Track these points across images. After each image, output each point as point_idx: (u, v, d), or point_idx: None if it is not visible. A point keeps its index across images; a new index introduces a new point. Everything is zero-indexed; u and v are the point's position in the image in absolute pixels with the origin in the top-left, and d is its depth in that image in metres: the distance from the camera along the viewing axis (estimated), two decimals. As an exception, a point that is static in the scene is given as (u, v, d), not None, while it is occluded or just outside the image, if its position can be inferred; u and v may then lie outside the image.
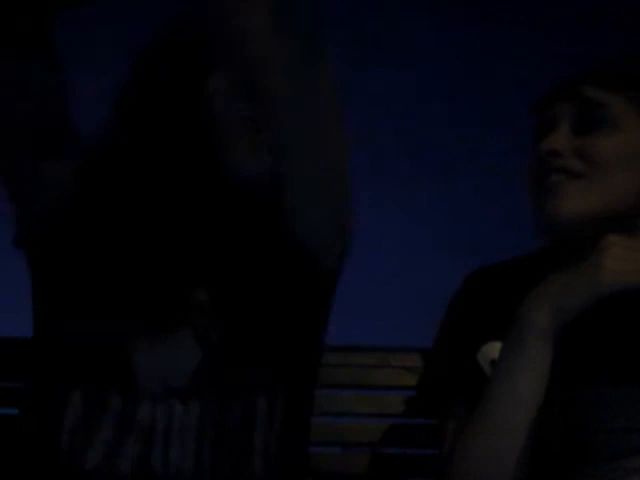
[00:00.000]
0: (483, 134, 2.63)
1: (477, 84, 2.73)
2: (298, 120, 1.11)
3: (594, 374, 1.19)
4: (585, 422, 1.17)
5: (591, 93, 1.25)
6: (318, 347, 1.28)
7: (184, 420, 1.12)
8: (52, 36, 1.19)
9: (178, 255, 1.17)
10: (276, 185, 1.20)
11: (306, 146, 1.12)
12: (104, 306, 1.14)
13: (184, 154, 1.17)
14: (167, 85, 1.18)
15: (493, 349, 1.23)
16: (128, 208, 1.17)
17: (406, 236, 2.38)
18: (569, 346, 1.19)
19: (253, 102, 1.15)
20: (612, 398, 1.17)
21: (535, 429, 1.16)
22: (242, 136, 1.18)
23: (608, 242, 1.16)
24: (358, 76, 2.57)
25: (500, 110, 2.56)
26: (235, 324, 1.15)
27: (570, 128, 1.24)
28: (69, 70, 1.21)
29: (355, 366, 1.44)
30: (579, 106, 1.25)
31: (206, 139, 1.17)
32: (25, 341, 1.28)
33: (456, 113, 2.71)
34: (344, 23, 2.62)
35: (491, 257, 1.35)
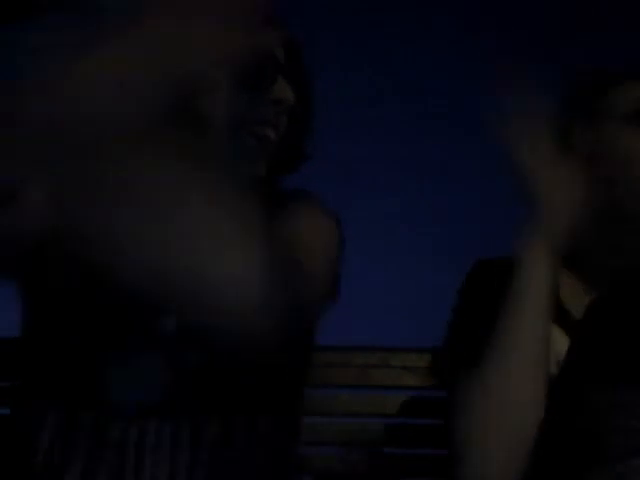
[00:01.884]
0: (483, 134, 2.63)
1: (477, 84, 2.73)
2: None
3: (604, 374, 1.19)
4: (595, 422, 1.17)
5: None
6: (304, 364, 1.23)
7: (157, 439, 1.08)
8: None
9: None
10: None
11: None
12: (76, 324, 1.10)
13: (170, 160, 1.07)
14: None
15: None
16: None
17: (406, 236, 2.39)
18: (579, 346, 1.19)
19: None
20: (623, 398, 1.18)
21: (545, 430, 1.16)
22: (239, 137, 1.12)
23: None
24: (356, 74, 2.57)
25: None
26: (210, 349, 1.10)
27: None
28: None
29: (355, 366, 1.44)
30: None
31: (199, 141, 1.09)
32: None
33: (456, 112, 2.71)
34: (344, 21, 2.62)
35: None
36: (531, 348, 1.16)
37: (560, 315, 1.22)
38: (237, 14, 1.01)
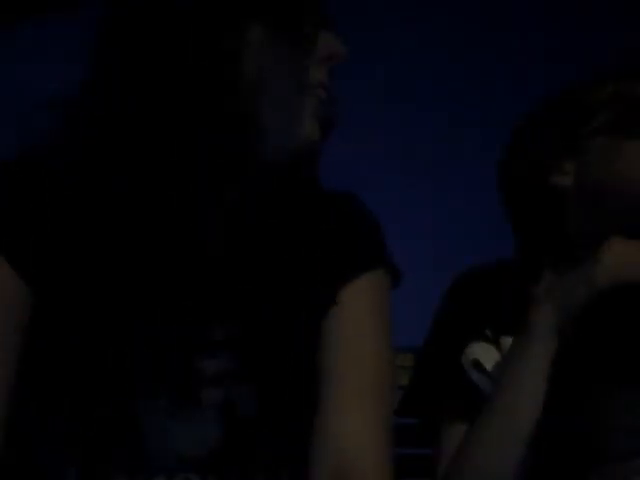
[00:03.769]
0: (482, 135, 2.63)
1: (477, 84, 2.73)
2: None
3: (607, 373, 1.20)
4: (597, 421, 1.18)
5: None
6: None
7: None
8: None
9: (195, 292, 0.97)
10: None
11: None
12: (109, 363, 0.93)
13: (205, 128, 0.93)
14: (187, 35, 0.94)
15: (474, 349, 1.25)
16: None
17: (405, 235, 2.38)
18: (582, 345, 1.20)
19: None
20: (625, 397, 1.18)
21: (546, 429, 1.17)
22: (286, 98, 0.97)
23: (609, 241, 1.18)
24: (355, 74, 2.56)
25: (500, 111, 2.56)
26: (266, 398, 0.97)
27: None
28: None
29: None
30: None
31: (236, 107, 0.94)
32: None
33: (455, 113, 2.71)
34: (345, 20, 2.62)
35: (490, 258, 1.35)
36: (526, 417, 1.18)
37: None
38: None
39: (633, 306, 1.22)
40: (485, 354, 1.26)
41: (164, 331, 0.95)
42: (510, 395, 1.18)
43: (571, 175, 1.26)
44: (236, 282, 0.99)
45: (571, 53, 2.57)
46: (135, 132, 0.95)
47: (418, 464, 1.50)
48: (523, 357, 1.18)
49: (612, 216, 1.22)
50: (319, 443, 0.99)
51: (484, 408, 1.19)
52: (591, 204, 1.25)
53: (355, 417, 1.00)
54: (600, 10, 2.63)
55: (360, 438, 1.00)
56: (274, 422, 0.98)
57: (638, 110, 1.24)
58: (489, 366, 1.25)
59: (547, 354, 1.17)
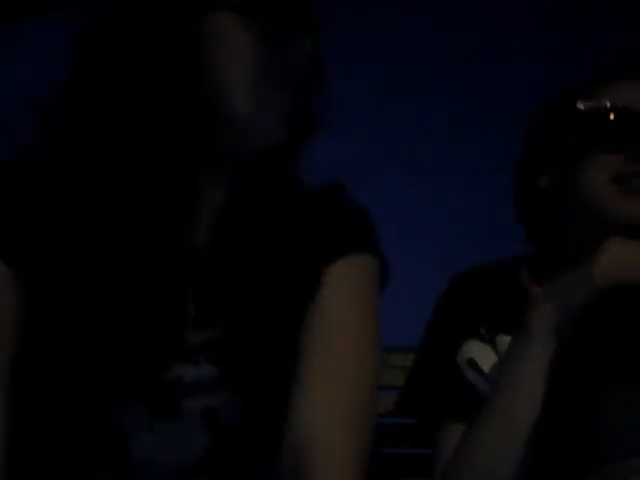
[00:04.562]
0: (482, 135, 2.63)
1: (477, 84, 2.73)
2: None
3: (607, 373, 1.20)
4: (597, 421, 1.18)
5: None
6: None
7: None
8: None
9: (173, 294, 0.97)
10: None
11: None
12: (96, 375, 0.93)
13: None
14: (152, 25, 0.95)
15: (470, 348, 1.26)
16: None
17: (405, 235, 2.38)
18: (581, 345, 1.20)
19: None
20: (625, 397, 1.18)
21: (545, 429, 1.17)
22: (249, 82, 0.97)
23: (608, 242, 1.18)
24: (355, 74, 2.57)
25: (500, 111, 2.56)
26: (250, 404, 0.97)
27: None
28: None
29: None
30: None
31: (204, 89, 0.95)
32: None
33: (455, 113, 2.71)
34: (345, 20, 2.62)
35: (490, 258, 1.36)
36: (524, 418, 1.18)
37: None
38: None
39: (632, 306, 1.23)
40: (480, 353, 1.26)
41: (146, 335, 0.95)
42: (508, 396, 1.18)
43: (554, 178, 1.28)
44: (219, 286, 0.99)
45: (571, 53, 2.57)
46: (126, 130, 0.96)
47: (418, 464, 1.50)
48: (521, 358, 1.18)
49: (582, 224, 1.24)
50: (285, 438, 0.96)
51: (482, 409, 1.19)
52: (573, 207, 1.26)
53: (320, 411, 0.96)
54: (600, 10, 2.63)
55: (322, 434, 0.95)
56: (258, 428, 0.97)
57: (607, 127, 1.25)
58: (485, 365, 1.25)
59: (546, 355, 1.17)
